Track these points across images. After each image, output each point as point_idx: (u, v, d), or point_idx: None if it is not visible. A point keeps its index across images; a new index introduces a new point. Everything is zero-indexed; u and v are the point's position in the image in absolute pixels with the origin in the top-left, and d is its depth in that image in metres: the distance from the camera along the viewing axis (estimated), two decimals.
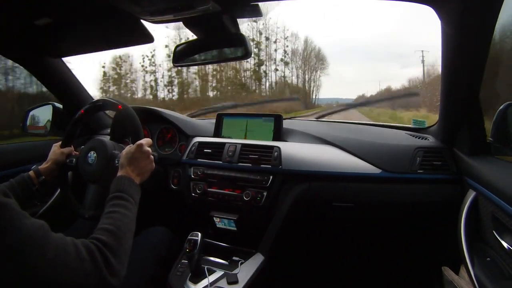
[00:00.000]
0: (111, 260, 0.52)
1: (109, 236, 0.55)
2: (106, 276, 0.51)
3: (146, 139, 0.79)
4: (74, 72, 1.32)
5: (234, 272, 0.93)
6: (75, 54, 1.23)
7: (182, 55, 0.94)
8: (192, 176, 1.15)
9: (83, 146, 0.92)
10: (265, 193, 1.03)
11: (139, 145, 0.76)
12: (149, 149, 0.78)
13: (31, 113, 1.31)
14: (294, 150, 1.08)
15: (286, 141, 1.16)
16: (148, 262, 0.87)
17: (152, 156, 0.78)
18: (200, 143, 1.20)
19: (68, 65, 1.28)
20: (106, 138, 0.91)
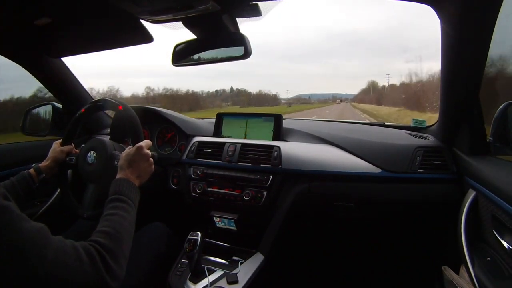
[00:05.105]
0: (110, 263, 0.52)
1: (108, 238, 0.55)
2: (106, 278, 0.51)
3: (145, 141, 0.79)
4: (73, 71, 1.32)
5: (234, 272, 0.93)
6: (75, 54, 1.23)
7: (181, 55, 0.94)
8: (192, 176, 1.15)
9: (83, 145, 0.92)
10: (265, 193, 1.03)
11: (139, 147, 0.76)
12: (148, 151, 0.78)
13: (30, 113, 1.31)
14: (294, 149, 1.08)
15: (286, 141, 1.16)
16: (147, 259, 0.87)
17: (151, 159, 0.78)
18: (200, 142, 1.20)
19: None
20: (106, 138, 0.91)
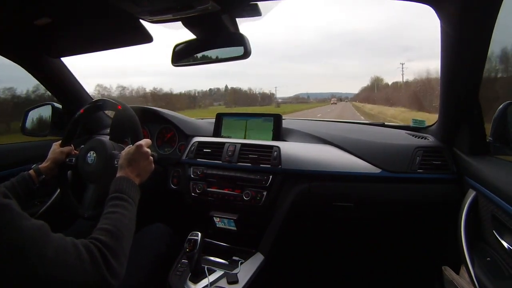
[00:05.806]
0: (110, 260, 0.52)
1: (108, 236, 0.55)
2: (106, 276, 0.51)
3: (145, 139, 0.79)
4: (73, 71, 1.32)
5: (234, 272, 0.93)
6: (74, 54, 1.23)
7: (181, 55, 0.94)
8: (192, 176, 1.15)
9: (82, 146, 0.92)
10: (264, 193, 1.03)
11: (139, 146, 0.76)
12: (148, 150, 0.78)
13: (30, 113, 1.31)
14: (293, 149, 1.08)
15: (286, 141, 1.16)
16: (147, 259, 0.87)
17: (151, 157, 0.78)
18: (200, 142, 1.20)
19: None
20: (106, 138, 0.91)
